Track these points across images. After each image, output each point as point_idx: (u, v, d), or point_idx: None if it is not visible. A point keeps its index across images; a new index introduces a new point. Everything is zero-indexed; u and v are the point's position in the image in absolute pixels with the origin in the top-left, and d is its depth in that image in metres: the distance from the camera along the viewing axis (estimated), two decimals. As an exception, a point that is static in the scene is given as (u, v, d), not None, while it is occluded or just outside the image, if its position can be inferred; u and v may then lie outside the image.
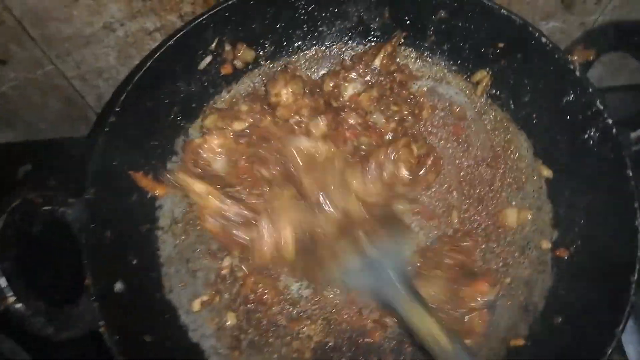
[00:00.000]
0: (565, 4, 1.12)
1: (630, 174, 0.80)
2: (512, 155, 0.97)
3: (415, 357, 0.87)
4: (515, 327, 0.86)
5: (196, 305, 0.87)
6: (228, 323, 0.88)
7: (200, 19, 0.89)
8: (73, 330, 0.70)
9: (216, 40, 0.93)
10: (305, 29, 1.00)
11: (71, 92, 1.18)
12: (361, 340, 0.89)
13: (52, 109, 1.24)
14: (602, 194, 0.84)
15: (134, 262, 0.83)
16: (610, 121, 0.83)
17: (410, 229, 0.89)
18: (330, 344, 0.88)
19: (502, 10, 0.90)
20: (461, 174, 0.97)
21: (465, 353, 0.70)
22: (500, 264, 0.92)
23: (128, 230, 0.84)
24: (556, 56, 0.87)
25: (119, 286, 0.77)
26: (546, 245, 0.90)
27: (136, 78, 0.84)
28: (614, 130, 0.82)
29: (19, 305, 0.65)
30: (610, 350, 0.71)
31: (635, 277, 0.74)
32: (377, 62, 0.94)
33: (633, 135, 0.82)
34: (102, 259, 0.76)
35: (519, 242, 0.92)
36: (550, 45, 0.88)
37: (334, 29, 1.00)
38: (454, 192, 0.95)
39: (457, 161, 0.98)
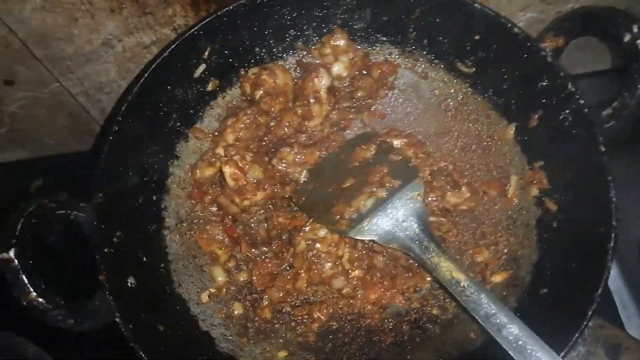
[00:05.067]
0: (540, -4, 1.18)
1: (603, 149, 0.85)
2: (495, 141, 1.02)
3: (413, 334, 0.92)
4: (504, 301, 0.91)
5: (204, 297, 0.93)
6: (235, 312, 0.93)
7: (192, 30, 0.95)
8: (92, 321, 0.76)
9: (208, 49, 0.99)
10: (293, 34, 1.06)
11: (76, 107, 1.25)
12: (362, 321, 0.94)
13: (59, 125, 1.30)
14: (579, 172, 0.89)
15: (144, 259, 0.88)
16: (582, 102, 0.88)
17: (419, 172, 0.94)
18: (333, 326, 0.94)
19: (475, 4, 0.95)
20: (449, 160, 1.02)
21: (479, 284, 0.78)
22: (491, 244, 0.97)
23: (136, 230, 0.89)
24: (528, 44, 0.92)
25: (131, 281, 0.83)
26: (532, 222, 0.95)
27: (135, 89, 0.91)
28: (586, 110, 0.87)
29: (40, 300, 0.71)
30: (590, 313, 0.76)
31: (612, 245, 0.79)
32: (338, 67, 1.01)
33: (604, 113, 0.88)
34: (114, 257, 0.82)
35: (506, 221, 0.97)
36: (522, 34, 0.93)
37: (319, 32, 1.06)
38: (443, 177, 0.99)
39: (444, 148, 1.03)
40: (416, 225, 0.87)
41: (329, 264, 0.92)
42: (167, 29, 1.07)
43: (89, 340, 1.00)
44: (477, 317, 0.77)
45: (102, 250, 0.81)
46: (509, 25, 0.93)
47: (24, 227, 0.74)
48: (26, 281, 0.71)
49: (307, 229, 0.94)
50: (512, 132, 1.00)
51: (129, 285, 0.83)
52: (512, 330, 0.74)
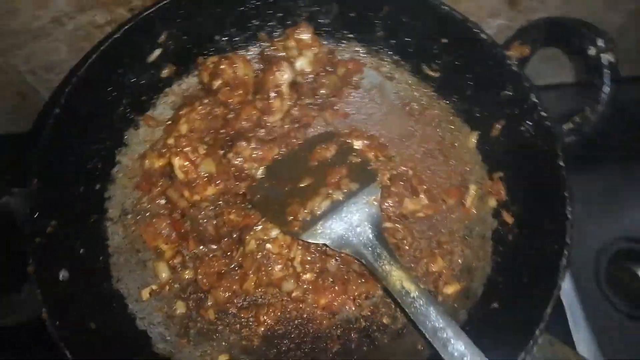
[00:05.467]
0: (510, 2, 1.16)
1: (562, 164, 0.83)
2: (457, 148, 1.00)
3: (361, 342, 0.90)
4: (455, 313, 0.89)
5: (145, 294, 0.88)
6: (177, 312, 0.89)
7: (148, 12, 0.90)
8: (15, 316, 0.70)
9: (165, 33, 0.94)
10: (256, 23, 1.02)
11: (24, 86, 1.17)
12: (310, 326, 0.91)
13: (6, 103, 1.23)
14: (537, 185, 0.88)
15: (81, 251, 0.83)
16: (544, 114, 0.86)
17: (377, 176, 0.92)
18: (279, 331, 0.90)
19: (444, 7, 0.93)
20: (410, 164, 0.99)
21: (429, 296, 0.77)
22: (446, 253, 0.95)
23: (74, 220, 0.84)
24: (494, 51, 0.91)
25: (63, 274, 0.78)
26: (488, 233, 0.94)
27: (82, 69, 0.85)
28: (547, 122, 0.86)
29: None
30: (538, 330, 0.74)
31: (564, 263, 0.78)
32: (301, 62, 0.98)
33: (565, 127, 0.86)
34: (46, 248, 0.77)
35: (462, 231, 0.95)
36: (489, 40, 0.91)
37: (283, 24, 1.02)
38: (403, 183, 0.96)
39: (406, 152, 1.01)
40: (370, 231, 0.84)
41: (279, 266, 0.89)
42: (122, 9, 1.01)
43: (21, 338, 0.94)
44: (423, 330, 0.75)
45: (33, 240, 0.75)
46: (476, 30, 0.91)
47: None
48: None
49: (259, 228, 0.90)
50: (475, 140, 0.98)
51: (61, 278, 0.77)
52: (458, 347, 0.72)
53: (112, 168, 0.93)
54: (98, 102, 0.90)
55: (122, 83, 0.92)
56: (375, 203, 0.87)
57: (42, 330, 0.72)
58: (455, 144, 1.00)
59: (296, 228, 0.86)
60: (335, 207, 0.86)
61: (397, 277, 0.79)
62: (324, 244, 0.86)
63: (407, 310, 0.77)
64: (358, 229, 0.84)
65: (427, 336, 0.74)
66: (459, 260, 0.94)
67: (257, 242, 0.88)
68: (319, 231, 0.85)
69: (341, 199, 0.87)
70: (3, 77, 1.13)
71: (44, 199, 0.79)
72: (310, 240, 0.86)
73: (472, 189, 0.96)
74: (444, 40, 0.97)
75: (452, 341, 0.73)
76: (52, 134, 0.82)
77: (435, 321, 0.75)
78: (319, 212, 0.86)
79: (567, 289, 1.13)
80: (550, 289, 0.76)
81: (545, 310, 0.75)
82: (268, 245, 0.89)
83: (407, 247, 0.93)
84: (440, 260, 0.94)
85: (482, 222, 0.95)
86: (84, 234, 0.85)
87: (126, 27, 0.88)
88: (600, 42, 0.80)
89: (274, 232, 0.89)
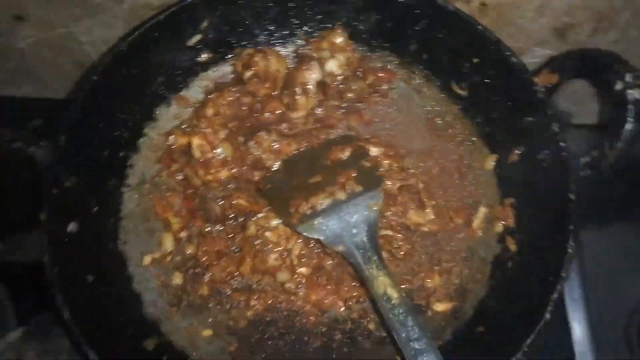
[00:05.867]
0: (559, 34, 1.14)
1: (572, 197, 0.81)
2: (474, 169, 0.99)
3: (343, 343, 0.90)
4: (441, 332, 0.88)
5: (147, 260, 0.92)
6: (173, 282, 0.92)
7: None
8: (19, 254, 0.76)
9: (207, 21, 1.00)
10: (296, 22, 1.06)
11: (82, 56, 1.26)
12: (297, 319, 0.92)
13: (65, 70, 1.32)
14: (545, 215, 0.86)
15: (94, 209, 0.89)
16: (562, 144, 0.84)
17: (382, 182, 0.93)
18: (267, 318, 0.92)
19: (479, 26, 0.93)
20: (423, 178, 0.99)
21: (410, 306, 0.77)
22: (445, 272, 0.94)
23: (94, 180, 0.90)
24: (522, 76, 0.90)
25: (72, 227, 0.84)
26: (489, 257, 0.92)
27: (123, 44, 0.91)
28: (564, 152, 0.84)
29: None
30: (514, 360, 0.72)
31: (555, 296, 0.75)
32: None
33: (582, 160, 0.84)
34: (62, 200, 0.82)
35: (464, 252, 0.94)
36: (519, 65, 0.90)
37: (322, 26, 1.05)
38: (411, 194, 0.96)
39: (423, 166, 1.01)
40: (365, 234, 0.85)
41: (275, 255, 0.91)
42: (176, -5, 1.07)
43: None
44: (397, 337, 0.75)
45: (51, 190, 0.82)
46: (508, 53, 0.91)
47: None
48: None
49: (261, 215, 0.93)
50: (492, 163, 0.97)
51: (69, 230, 0.83)
52: (429, 358, 0.72)
53: (139, 139, 0.98)
54: (134, 77, 0.96)
55: (159, 62, 0.98)
56: (375, 208, 0.88)
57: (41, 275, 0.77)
58: (473, 165, 0.99)
59: (295, 220, 0.88)
60: (336, 206, 0.88)
61: (382, 282, 0.80)
62: (317, 240, 0.87)
63: (385, 315, 0.77)
64: (354, 230, 0.85)
65: (399, 344, 0.74)
66: (456, 280, 0.92)
67: (257, 229, 0.91)
68: (316, 226, 0.86)
69: (343, 198, 0.88)
70: (65, 45, 1.22)
71: (68, 156, 0.85)
72: (305, 234, 0.87)
73: (482, 211, 0.95)
74: (476, 60, 0.96)
75: (424, 353, 0.72)
76: (87, 99, 0.89)
77: (411, 331, 0.74)
78: (319, 208, 0.88)
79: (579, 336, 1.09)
80: (535, 322, 0.74)
81: (525, 341, 0.73)
82: (267, 233, 0.91)
83: (405, 259, 0.93)
84: (438, 277, 0.93)
85: (486, 245, 0.93)
86: (100, 194, 0.91)
87: (170, 10, 0.94)
88: (628, 78, 0.78)
89: (275, 222, 0.92)
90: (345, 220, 0.86)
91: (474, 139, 1.00)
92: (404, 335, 0.74)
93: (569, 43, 1.14)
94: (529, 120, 0.90)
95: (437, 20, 0.98)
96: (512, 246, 0.89)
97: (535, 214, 0.88)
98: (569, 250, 0.77)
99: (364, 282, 0.82)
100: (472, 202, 0.97)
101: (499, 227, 0.92)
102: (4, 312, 1.00)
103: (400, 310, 0.76)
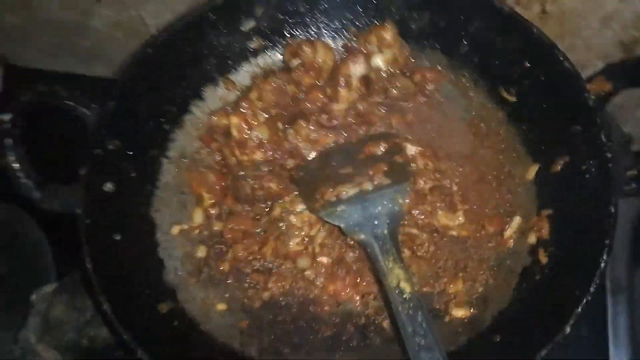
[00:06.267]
0: (625, 48, 1.08)
1: (612, 211, 0.76)
2: (513, 178, 0.95)
3: (353, 336, 0.88)
4: (456, 337, 0.84)
5: (175, 229, 0.95)
6: (197, 254, 0.95)
7: (249, -15, 0.99)
8: (55, 203, 0.81)
9: (263, 8, 1.03)
10: (349, 17, 1.07)
11: (149, 39, 1.34)
12: (312, 308, 0.91)
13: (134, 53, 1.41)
14: (582, 229, 0.80)
15: (132, 174, 0.93)
16: (608, 155, 0.79)
17: (411, 177, 0.91)
18: (282, 302, 0.92)
19: (534, 28, 0.89)
20: (458, 181, 0.96)
21: (421, 302, 0.75)
22: (470, 279, 0.90)
23: (136, 147, 0.94)
24: (574, 82, 0.85)
25: (109, 186, 0.88)
26: (518, 269, 0.87)
27: (179, 25, 0.96)
28: (610, 164, 0.78)
29: (16, 165, 0.78)
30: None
31: (579, 311, 0.70)
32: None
33: (629, 173, 0.78)
34: (101, 161, 0.87)
35: (493, 261, 0.90)
36: (573, 71, 0.86)
37: (374, 21, 1.05)
38: (443, 195, 0.94)
39: (460, 170, 0.98)
40: (386, 226, 0.83)
41: (296, 240, 0.91)
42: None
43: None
44: (402, 332, 0.73)
45: (93, 150, 0.86)
46: (562, 58, 0.87)
47: (31, 100, 0.81)
48: (11, 144, 0.78)
49: (288, 199, 0.93)
50: (534, 172, 0.92)
51: (105, 189, 0.87)
52: (432, 356, 0.69)
53: (184, 115, 1.02)
54: (187, 56, 1.00)
55: (212, 44, 1.02)
56: (400, 202, 0.86)
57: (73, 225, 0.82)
58: (513, 173, 0.95)
59: (318, 205, 0.88)
60: (361, 196, 0.87)
61: (396, 275, 0.77)
62: (337, 227, 0.87)
63: (394, 308, 0.75)
64: (375, 221, 0.84)
65: (404, 338, 0.72)
66: (480, 289, 0.88)
67: (282, 211, 0.92)
68: (338, 213, 0.86)
69: (370, 189, 0.87)
70: (135, 27, 1.30)
71: (115, 121, 0.90)
72: (326, 219, 0.87)
73: (517, 221, 0.90)
74: (527, 65, 0.93)
75: (428, 350, 0.69)
76: (138, 71, 0.94)
77: (418, 326, 0.72)
78: (344, 197, 0.87)
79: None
80: (552, 336, 0.69)
81: (540, 352, 0.68)
82: (292, 217, 0.92)
83: (427, 258, 0.90)
84: (461, 283, 0.89)
85: (516, 256, 0.88)
86: (140, 162, 0.95)
87: (228, -5, 0.98)
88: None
89: (301, 207, 0.92)
90: (368, 211, 0.85)
91: (517, 146, 0.96)
92: (410, 329, 0.72)
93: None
94: (577, 129, 0.85)
95: (491, 22, 0.95)
96: (544, 259, 0.84)
97: (572, 227, 0.82)
98: (601, 266, 0.72)
99: (377, 274, 0.80)
100: (507, 211, 0.92)
101: (533, 238, 0.87)
102: (45, 261, 1.07)
103: (411, 305, 0.74)
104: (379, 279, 0.80)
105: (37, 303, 1.01)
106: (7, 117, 0.78)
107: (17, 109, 0.80)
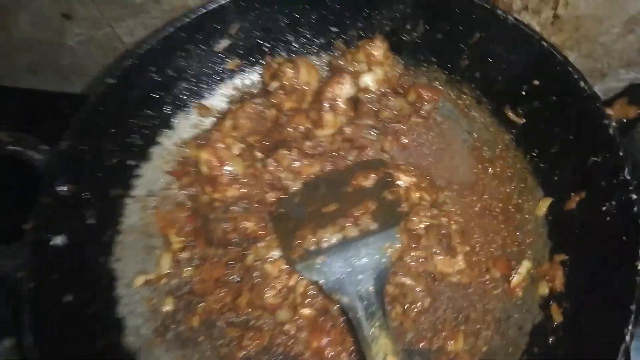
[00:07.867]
0: (654, 54, 0.93)
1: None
2: (522, 213, 0.82)
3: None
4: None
5: (139, 280, 0.85)
6: (164, 308, 0.84)
7: (223, 1, 0.88)
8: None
9: (237, 25, 0.92)
10: (335, 30, 0.95)
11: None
12: (293, 365, 0.81)
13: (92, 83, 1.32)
14: (603, 283, 0.67)
15: (90, 221, 0.83)
16: (634, 196, 0.66)
17: (402, 221, 0.80)
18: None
19: (543, 42, 0.77)
20: (458, 217, 0.84)
21: None
22: (471, 334, 0.78)
23: (95, 189, 0.84)
24: (592, 106, 0.72)
25: (61, 239, 0.78)
26: (527, 326, 0.75)
27: (144, 47, 0.85)
28: (636, 208, 0.65)
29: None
30: None
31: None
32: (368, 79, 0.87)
33: (659, 219, 0.65)
34: (51, 210, 0.77)
35: (499, 313, 0.78)
36: (589, 92, 0.73)
37: (363, 36, 0.93)
38: (439, 237, 0.82)
39: (462, 202, 0.86)
40: (372, 283, 0.72)
41: (273, 292, 0.81)
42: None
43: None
44: None
45: (42, 199, 0.77)
46: (576, 76, 0.74)
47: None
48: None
49: (262, 244, 0.82)
50: (545, 208, 0.80)
51: (57, 243, 0.77)
52: None
53: (151, 147, 0.92)
54: (154, 82, 0.90)
55: (183, 67, 0.92)
56: (389, 252, 0.74)
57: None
58: (522, 207, 0.83)
59: (295, 255, 0.77)
60: (344, 244, 0.76)
61: (383, 347, 0.67)
62: (315, 283, 0.76)
63: None
64: (360, 277, 0.73)
65: None
66: (483, 348, 0.76)
67: (256, 259, 0.81)
68: (317, 266, 0.75)
69: (354, 236, 0.76)
70: (111, 44, 1.21)
71: (70, 162, 0.80)
72: (304, 274, 0.76)
73: (526, 265, 0.78)
74: (536, 82, 0.80)
75: None
76: (98, 102, 0.84)
77: None
78: (325, 245, 0.76)
79: None
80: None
81: None
82: (267, 266, 0.81)
83: (425, 312, 0.78)
84: (462, 340, 0.77)
85: (525, 310, 0.76)
86: (100, 205, 0.85)
87: (198, 14, 0.87)
88: None
89: (277, 253, 0.81)
90: (351, 264, 0.74)
91: (526, 176, 0.84)
92: None
93: (669, 66, 0.93)
94: (595, 161, 0.72)
95: (494, 33, 0.83)
96: (558, 316, 0.71)
97: (591, 279, 0.70)
98: (626, 338, 0.59)
99: (360, 341, 0.69)
100: (515, 252, 0.80)
101: (544, 289, 0.75)
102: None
103: None
104: (362, 349, 0.69)
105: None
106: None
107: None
